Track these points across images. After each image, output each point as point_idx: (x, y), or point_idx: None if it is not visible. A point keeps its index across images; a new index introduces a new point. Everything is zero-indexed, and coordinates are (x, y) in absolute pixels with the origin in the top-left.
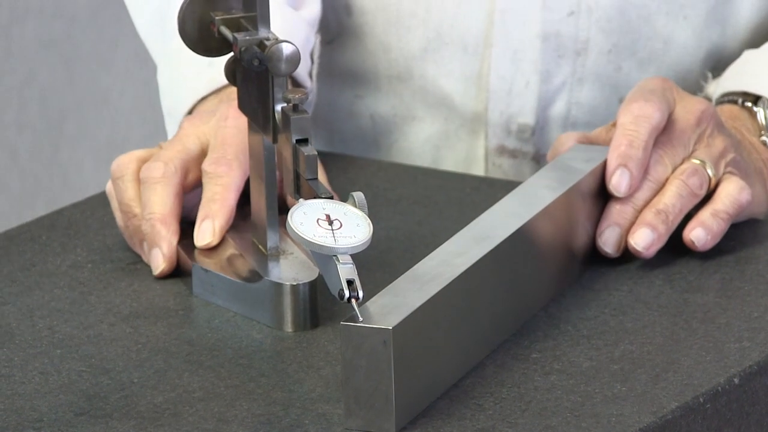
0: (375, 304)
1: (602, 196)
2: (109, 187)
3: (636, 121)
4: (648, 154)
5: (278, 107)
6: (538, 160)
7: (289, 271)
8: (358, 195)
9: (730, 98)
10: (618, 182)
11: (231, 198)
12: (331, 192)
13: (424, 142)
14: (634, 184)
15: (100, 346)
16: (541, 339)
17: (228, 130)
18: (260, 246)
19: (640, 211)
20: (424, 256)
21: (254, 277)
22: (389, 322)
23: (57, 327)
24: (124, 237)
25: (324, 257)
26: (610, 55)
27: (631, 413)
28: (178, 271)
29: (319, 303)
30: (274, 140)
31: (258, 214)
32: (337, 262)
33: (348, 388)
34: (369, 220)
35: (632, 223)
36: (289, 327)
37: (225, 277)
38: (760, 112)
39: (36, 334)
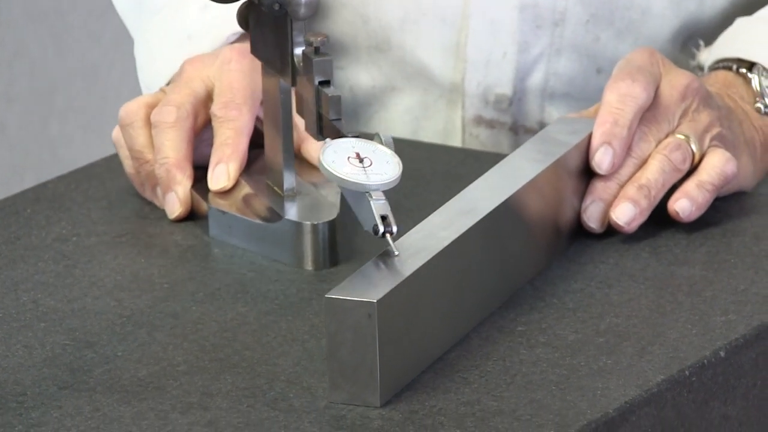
0: (359, 276)
1: (588, 169)
2: (116, 135)
3: (622, 99)
4: (632, 133)
5: (297, 51)
6: (516, 131)
7: (308, 211)
8: (385, 135)
9: (724, 65)
10: (601, 159)
11: (243, 142)
12: (356, 131)
13: (403, 113)
14: (616, 163)
15: (84, 320)
16: (526, 312)
17: (233, 74)
18: (275, 188)
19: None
20: (410, 229)
21: (273, 217)
22: (374, 294)
23: (41, 300)
24: (133, 184)
25: (356, 194)
26: (587, 25)
27: (616, 386)
28: (191, 215)
29: (338, 242)
30: (293, 83)
31: (273, 156)
32: (370, 199)
33: (333, 362)
34: (398, 158)
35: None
36: (309, 266)
37: (243, 218)
38: (754, 78)
39: (20, 308)
